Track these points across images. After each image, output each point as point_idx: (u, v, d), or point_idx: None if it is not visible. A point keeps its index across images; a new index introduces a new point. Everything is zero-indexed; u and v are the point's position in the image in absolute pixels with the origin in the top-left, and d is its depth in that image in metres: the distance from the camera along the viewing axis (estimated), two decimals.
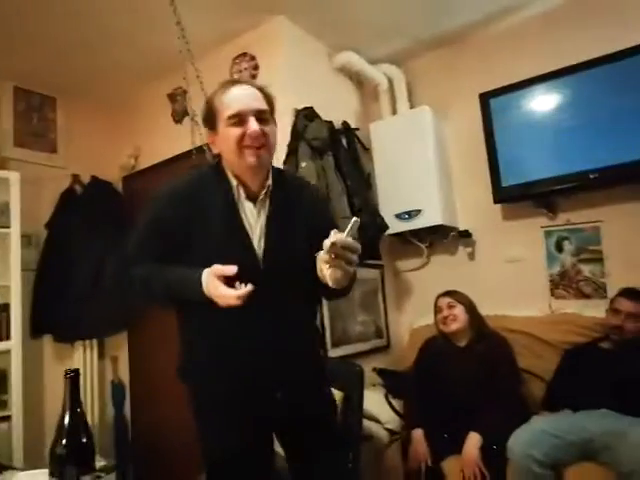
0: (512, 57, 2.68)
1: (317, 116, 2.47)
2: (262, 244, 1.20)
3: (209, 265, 1.09)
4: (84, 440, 0.98)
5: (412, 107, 2.89)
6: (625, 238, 2.37)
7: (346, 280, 1.08)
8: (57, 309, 2.77)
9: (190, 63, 2.12)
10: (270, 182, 1.23)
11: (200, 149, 2.14)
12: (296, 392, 1.24)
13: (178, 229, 1.18)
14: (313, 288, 1.24)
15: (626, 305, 2.02)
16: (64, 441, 0.95)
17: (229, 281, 1.07)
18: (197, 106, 2.20)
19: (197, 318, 1.24)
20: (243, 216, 1.20)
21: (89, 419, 2.83)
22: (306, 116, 2.43)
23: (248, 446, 1.22)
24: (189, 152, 2.21)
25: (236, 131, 1.14)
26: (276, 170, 1.28)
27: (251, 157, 1.14)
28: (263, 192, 1.21)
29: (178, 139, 2.62)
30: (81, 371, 2.82)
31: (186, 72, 2.11)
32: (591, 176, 2.33)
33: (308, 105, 2.49)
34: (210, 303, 1.09)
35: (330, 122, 2.58)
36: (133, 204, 3.13)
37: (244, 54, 2.62)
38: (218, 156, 1.25)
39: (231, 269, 1.05)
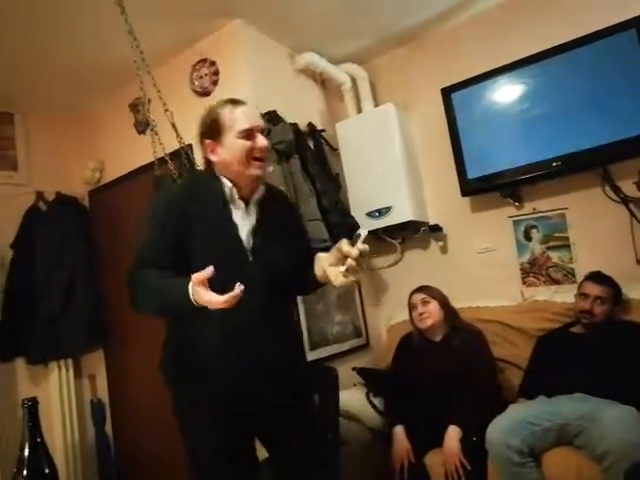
0: (471, 50, 2.71)
1: (281, 119, 2.46)
2: (251, 241, 1.34)
3: (205, 257, 1.21)
4: (47, 471, 0.95)
5: (377, 105, 2.90)
6: (589, 223, 2.42)
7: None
8: (28, 330, 2.70)
9: (146, 72, 2.07)
10: (263, 189, 1.39)
11: (162, 160, 2.10)
12: (281, 389, 1.36)
13: (181, 228, 1.30)
14: (292, 286, 1.43)
15: (593, 289, 2.06)
16: (25, 472, 0.93)
17: (221, 282, 1.14)
18: (157, 116, 2.18)
19: (185, 319, 1.33)
20: (234, 215, 1.34)
21: (69, 440, 2.78)
22: (270, 120, 2.40)
23: (232, 446, 1.32)
24: (152, 164, 2.17)
25: (246, 144, 1.30)
26: (265, 183, 1.43)
27: (257, 169, 1.32)
28: (256, 197, 1.37)
29: (143, 150, 2.56)
30: (57, 391, 2.82)
31: (143, 82, 2.07)
32: (554, 164, 2.37)
33: (272, 108, 2.46)
34: (203, 309, 1.15)
35: (295, 124, 2.57)
36: (101, 218, 3.08)
37: (204, 60, 2.59)
38: (208, 162, 1.39)
39: (206, 272, 1.11)
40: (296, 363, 1.48)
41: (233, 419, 1.32)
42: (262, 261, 1.33)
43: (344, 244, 1.21)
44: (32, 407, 0.96)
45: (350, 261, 1.19)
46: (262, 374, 1.32)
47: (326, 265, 1.27)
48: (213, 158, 1.35)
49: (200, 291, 1.12)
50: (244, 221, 1.35)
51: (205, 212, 1.32)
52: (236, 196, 1.34)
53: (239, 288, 1.08)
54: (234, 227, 1.33)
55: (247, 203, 1.36)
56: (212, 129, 1.34)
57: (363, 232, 1.22)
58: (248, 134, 1.30)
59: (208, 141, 1.35)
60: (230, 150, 1.31)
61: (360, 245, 1.19)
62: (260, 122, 1.35)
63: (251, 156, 1.31)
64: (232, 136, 1.31)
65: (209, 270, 1.11)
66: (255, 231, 1.35)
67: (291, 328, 1.52)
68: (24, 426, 0.95)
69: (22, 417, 0.95)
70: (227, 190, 1.34)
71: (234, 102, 1.35)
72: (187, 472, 1.39)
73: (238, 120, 1.31)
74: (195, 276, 1.12)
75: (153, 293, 1.26)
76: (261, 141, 1.31)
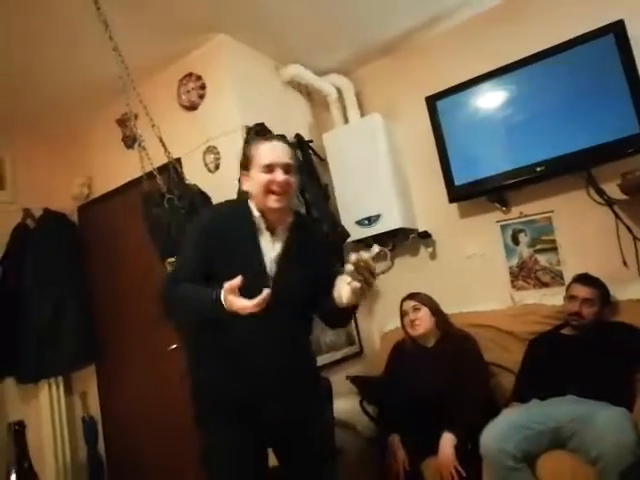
0: (454, 59, 2.74)
1: (268, 131, 2.46)
2: (274, 267, 1.43)
3: (230, 278, 1.26)
4: None
5: (363, 115, 2.93)
6: (575, 226, 2.45)
7: (361, 298, 1.31)
8: (17, 349, 2.68)
9: (132, 88, 2.08)
10: (291, 220, 1.48)
11: (150, 174, 2.11)
12: (294, 404, 1.45)
13: (210, 247, 1.41)
14: (311, 315, 1.57)
15: (581, 291, 2.08)
16: None
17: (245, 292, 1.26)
18: (144, 130, 2.19)
19: (207, 333, 1.44)
20: (261, 241, 1.44)
21: (60, 459, 2.75)
22: (257, 132, 2.41)
23: (245, 455, 1.41)
24: (140, 178, 2.17)
25: (266, 177, 1.40)
26: (296, 212, 1.57)
27: (274, 202, 1.40)
28: (281, 227, 1.46)
29: (131, 165, 2.56)
30: (48, 410, 2.79)
31: (129, 97, 2.08)
32: (537, 169, 2.40)
33: (259, 121, 2.48)
34: (232, 316, 1.26)
35: (283, 136, 2.57)
36: (90, 233, 3.06)
37: (190, 74, 2.61)
38: (244, 192, 1.52)
39: (236, 280, 1.23)
40: (309, 385, 1.54)
41: (247, 427, 1.41)
42: (281, 288, 1.38)
43: (352, 255, 1.24)
44: (19, 431, 0.94)
45: (349, 266, 1.23)
46: (273, 391, 1.41)
47: (342, 284, 1.31)
48: (243, 187, 1.49)
49: (232, 299, 1.23)
50: (269, 249, 1.44)
51: (235, 236, 1.42)
52: (263, 224, 1.44)
53: (266, 292, 1.20)
54: (259, 252, 1.42)
55: (274, 232, 1.45)
56: (244, 161, 1.49)
57: (379, 249, 1.27)
58: (269, 169, 1.40)
59: (242, 172, 1.50)
60: (253, 183, 1.43)
61: (363, 254, 1.23)
62: (284, 159, 1.42)
63: (269, 189, 1.39)
64: (256, 170, 1.42)
65: (238, 279, 1.22)
66: (279, 259, 1.44)
67: (306, 352, 1.59)
68: (10, 450, 0.93)
69: (9, 441, 0.94)
70: (255, 218, 1.44)
71: (267, 138, 1.51)
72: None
73: (262, 155, 1.42)
74: (227, 285, 1.23)
75: (187, 299, 1.38)
76: (279, 176, 1.39)
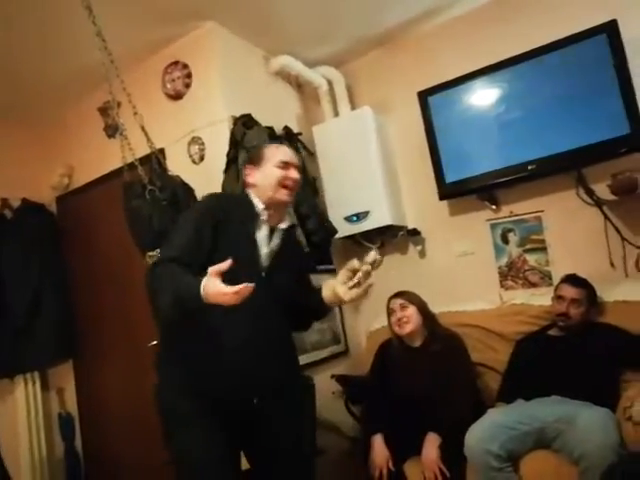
0: (448, 53, 2.71)
1: (256, 123, 2.41)
2: (267, 261, 1.50)
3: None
4: None
5: (354, 108, 2.88)
6: (565, 226, 2.43)
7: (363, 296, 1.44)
8: None
9: (115, 75, 2.00)
10: (289, 221, 1.58)
11: (132, 165, 2.04)
12: (272, 396, 1.45)
13: (211, 233, 1.41)
14: (295, 310, 1.57)
15: (569, 291, 2.06)
16: None
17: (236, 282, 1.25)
18: (127, 120, 2.11)
19: (194, 327, 1.41)
20: (258, 233, 1.50)
21: (36, 456, 2.68)
22: (244, 124, 2.35)
23: (220, 451, 1.39)
24: (121, 168, 2.10)
25: (282, 172, 1.50)
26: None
27: (285, 195, 1.50)
28: (282, 226, 1.54)
29: (113, 154, 2.47)
30: (24, 406, 2.71)
31: (111, 85, 2.00)
32: (529, 167, 2.38)
33: (246, 112, 2.42)
34: (206, 308, 1.21)
35: (271, 128, 2.52)
36: (70, 225, 2.98)
37: (176, 63, 2.53)
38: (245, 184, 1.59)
39: (226, 263, 1.19)
40: (289, 379, 1.56)
41: (225, 423, 1.39)
42: (273, 280, 1.47)
43: (355, 262, 1.39)
44: None
45: (365, 267, 1.37)
46: (255, 382, 1.42)
47: (337, 284, 1.44)
48: (249, 180, 1.55)
49: (214, 281, 1.17)
50: (264, 243, 1.50)
51: (235, 225, 1.46)
52: (264, 217, 1.49)
53: (250, 285, 1.16)
54: (255, 243, 1.48)
55: (274, 229, 1.53)
56: (255, 157, 1.58)
57: (375, 251, 1.45)
58: (285, 166, 1.51)
59: (248, 166, 1.57)
60: (265, 176, 1.51)
61: (370, 257, 1.39)
62: (297, 162, 1.58)
63: (282, 184, 1.49)
64: (271, 165, 1.51)
65: (227, 263, 1.18)
66: (274, 254, 1.51)
67: (289, 347, 1.60)
68: None
69: None
70: (258, 210, 1.49)
71: (281, 142, 1.67)
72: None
73: (280, 153, 1.54)
74: (212, 267, 1.19)
75: (168, 282, 1.30)
76: (294, 173, 1.52)
